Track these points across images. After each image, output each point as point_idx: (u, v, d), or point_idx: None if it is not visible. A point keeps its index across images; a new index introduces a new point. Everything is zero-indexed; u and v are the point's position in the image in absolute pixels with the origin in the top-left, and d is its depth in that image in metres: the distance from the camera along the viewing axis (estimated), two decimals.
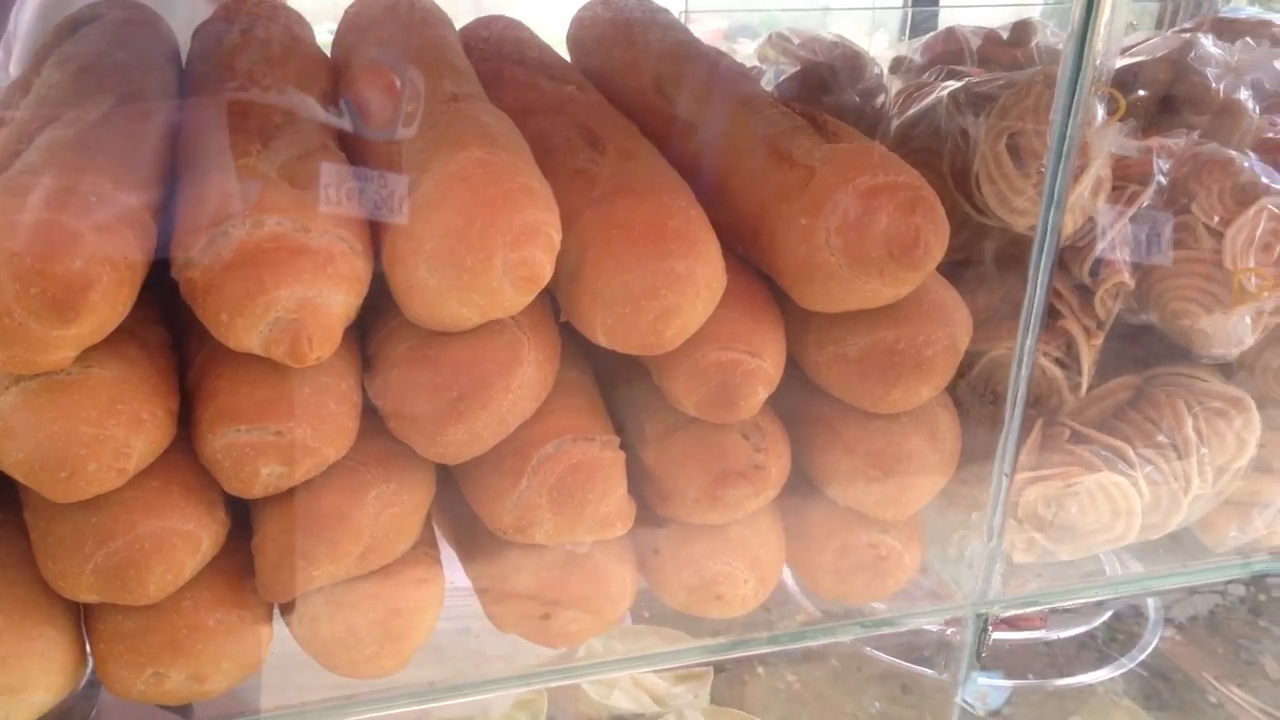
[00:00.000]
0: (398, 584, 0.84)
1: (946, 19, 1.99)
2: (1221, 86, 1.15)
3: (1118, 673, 1.77)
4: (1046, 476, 1.00)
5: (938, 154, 1.02)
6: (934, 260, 0.87)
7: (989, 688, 1.81)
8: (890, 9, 2.08)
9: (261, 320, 0.75)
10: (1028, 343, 0.91)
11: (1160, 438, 1.02)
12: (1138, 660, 1.77)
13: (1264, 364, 1.05)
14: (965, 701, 1.81)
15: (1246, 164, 1.02)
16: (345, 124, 0.91)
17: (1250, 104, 1.17)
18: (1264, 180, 1.01)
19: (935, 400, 0.95)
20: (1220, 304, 0.98)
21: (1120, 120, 0.96)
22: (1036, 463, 1.01)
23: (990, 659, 1.69)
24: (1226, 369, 1.07)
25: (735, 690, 1.59)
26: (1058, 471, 1.00)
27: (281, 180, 0.80)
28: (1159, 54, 1.19)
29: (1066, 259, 1.03)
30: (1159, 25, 1.80)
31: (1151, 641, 1.78)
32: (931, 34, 1.51)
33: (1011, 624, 1.40)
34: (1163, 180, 1.02)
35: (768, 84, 1.33)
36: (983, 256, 1.05)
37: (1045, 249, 0.88)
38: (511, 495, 0.85)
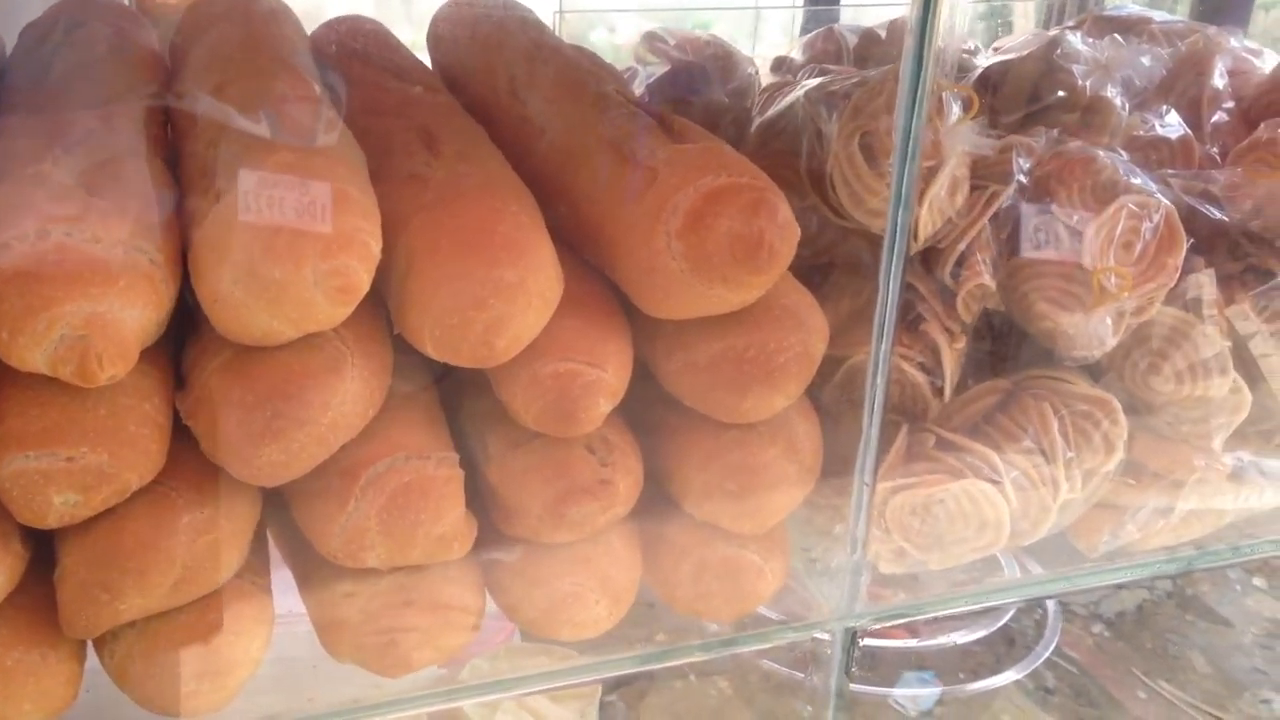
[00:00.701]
0: (217, 616, 0.79)
1: (849, 17, 1.98)
2: (1088, 84, 1.14)
3: (1023, 673, 1.77)
4: (911, 484, 0.97)
5: (796, 155, 0.99)
6: (780, 264, 0.84)
7: (920, 689, 1.80)
8: (785, 8, 2.06)
9: (45, 338, 0.69)
10: (883, 348, 0.89)
11: (1027, 443, 1.00)
12: (1041, 658, 1.76)
13: (1131, 364, 1.03)
14: (897, 703, 1.80)
15: (1109, 162, 1.00)
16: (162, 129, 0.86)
17: (1119, 101, 1.15)
18: (1125, 178, 0.99)
19: (793, 408, 0.92)
20: (1081, 305, 0.96)
21: (974, 118, 0.93)
22: (903, 470, 0.98)
23: (919, 660, 1.69)
24: (1095, 371, 1.05)
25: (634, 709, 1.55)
26: (922, 480, 0.97)
27: (78, 188, 0.75)
28: (1027, 52, 1.17)
29: (930, 261, 1.00)
30: (1045, 24, 1.79)
31: (1052, 640, 1.78)
32: (813, 33, 1.49)
33: (880, 634, 1.37)
34: (1023, 179, 1.00)
35: (640, 85, 1.30)
36: (843, 259, 1.02)
37: (895, 251, 0.86)
38: (340, 518, 0.80)
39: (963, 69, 1.22)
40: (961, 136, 0.92)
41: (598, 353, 0.83)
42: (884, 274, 0.86)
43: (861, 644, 1.01)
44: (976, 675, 1.75)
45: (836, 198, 0.95)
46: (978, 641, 1.77)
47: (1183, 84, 1.26)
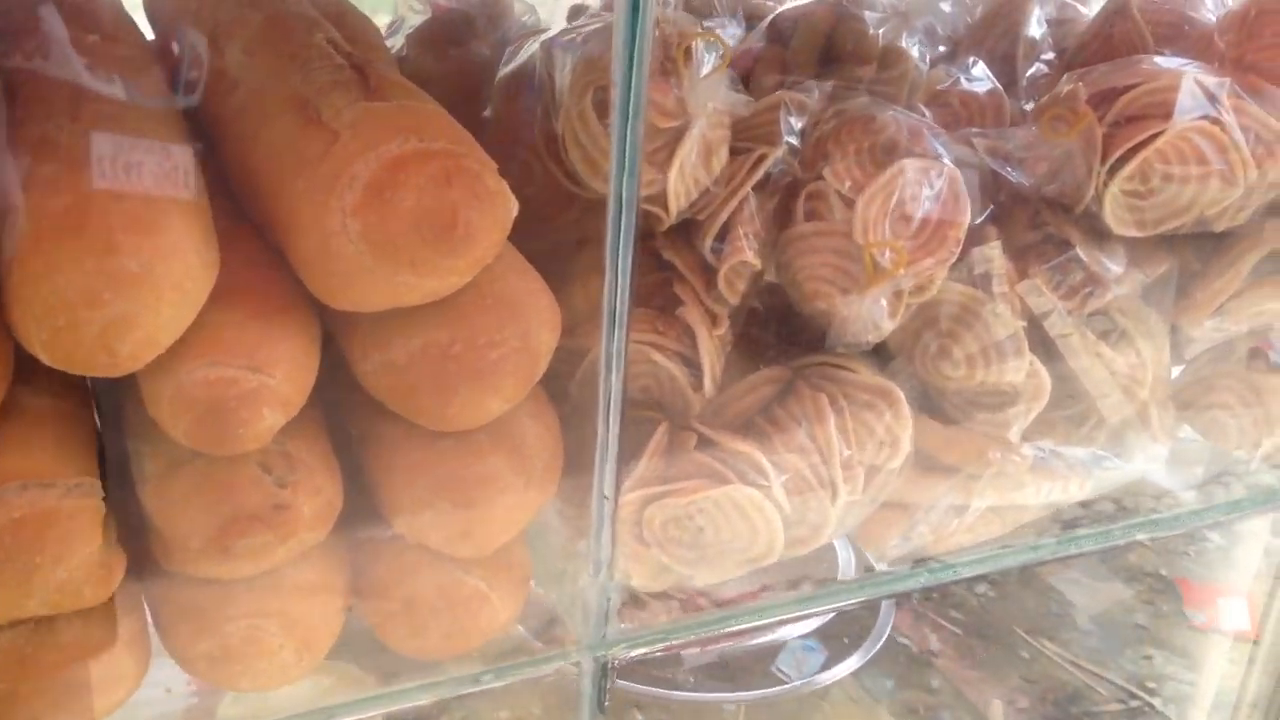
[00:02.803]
0: None
1: None
2: (881, 33, 1.02)
3: (861, 661, 1.69)
4: (668, 492, 0.85)
5: (532, 114, 0.86)
6: (481, 245, 0.71)
7: (804, 654, 1.72)
8: None
9: None
10: (616, 340, 0.76)
11: (803, 439, 0.88)
12: (874, 649, 1.68)
13: (922, 347, 0.92)
14: (780, 670, 1.70)
15: (892, 121, 0.89)
16: None
17: (917, 51, 1.04)
18: (907, 140, 0.87)
19: (522, 410, 0.79)
20: (855, 283, 0.85)
21: (725, 71, 0.81)
22: (660, 476, 0.86)
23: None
24: (885, 355, 0.94)
25: None
26: (680, 487, 0.85)
27: None
28: None
29: (692, 235, 0.88)
30: None
31: (885, 627, 1.70)
32: None
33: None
34: (793, 141, 0.88)
35: (398, 38, 1.15)
36: (597, 234, 0.89)
37: (623, 227, 0.73)
38: None
39: (754, 16, 1.09)
40: (710, 92, 0.79)
41: (262, 354, 0.69)
42: (610, 253, 0.73)
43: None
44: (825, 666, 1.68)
45: (571, 162, 0.81)
46: (815, 633, 1.70)
47: (996, 34, 1.15)
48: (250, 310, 0.71)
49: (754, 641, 1.62)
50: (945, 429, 0.95)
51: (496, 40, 1.11)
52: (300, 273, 0.72)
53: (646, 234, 0.88)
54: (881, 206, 0.84)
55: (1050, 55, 1.15)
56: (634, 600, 0.88)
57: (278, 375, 0.70)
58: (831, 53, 1.04)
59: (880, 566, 1.01)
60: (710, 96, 0.79)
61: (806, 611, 1.03)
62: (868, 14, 1.03)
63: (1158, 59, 0.92)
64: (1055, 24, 1.23)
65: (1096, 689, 1.77)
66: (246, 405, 0.68)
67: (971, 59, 1.07)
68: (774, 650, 1.71)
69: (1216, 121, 0.88)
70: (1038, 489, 0.97)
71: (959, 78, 1.05)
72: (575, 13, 1.36)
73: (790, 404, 0.90)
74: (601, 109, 0.80)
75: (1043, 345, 0.94)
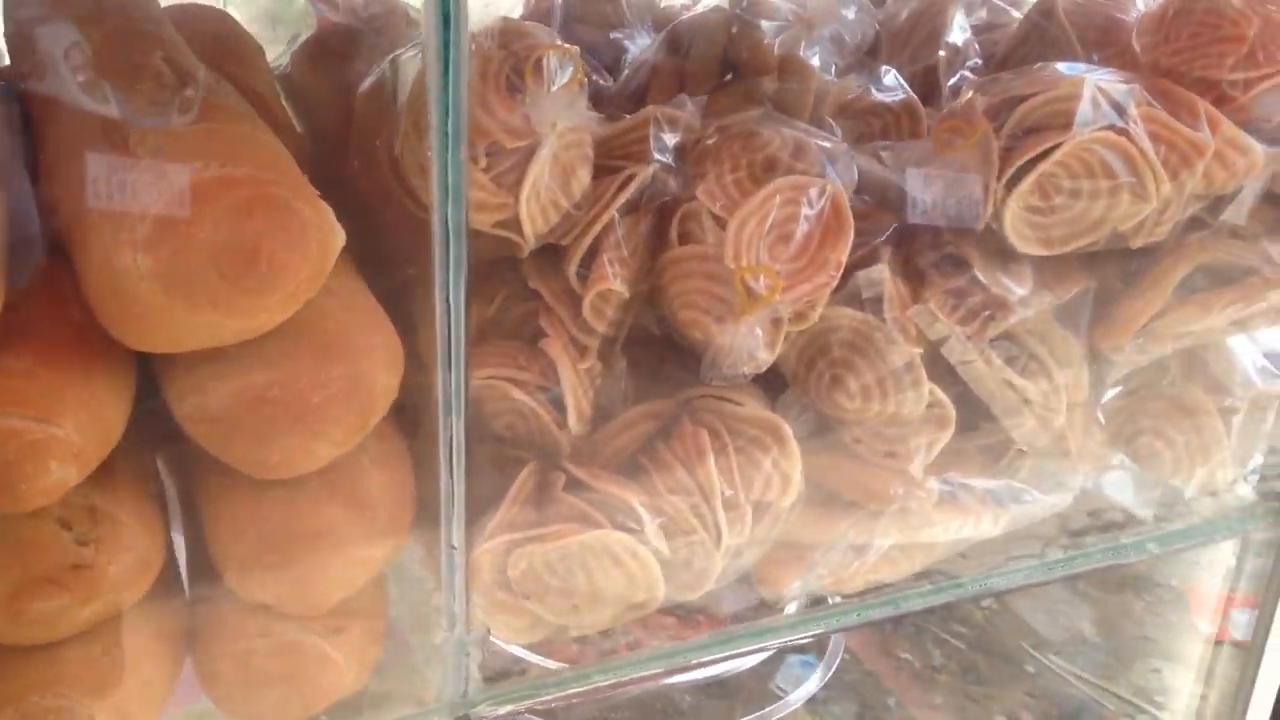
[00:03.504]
0: None
1: None
2: (779, 41, 0.96)
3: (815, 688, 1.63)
4: (533, 538, 0.79)
5: (381, 134, 0.80)
6: (294, 279, 0.65)
7: (802, 671, 1.67)
8: None
9: None
10: (453, 379, 0.70)
11: (684, 477, 0.82)
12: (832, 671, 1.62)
13: (816, 377, 0.86)
14: (778, 688, 1.64)
15: (779, 136, 0.83)
16: None
17: (818, 60, 0.98)
18: (790, 156, 0.81)
19: (365, 454, 0.74)
20: (731, 311, 0.78)
21: (578, 86, 0.75)
22: (525, 520, 0.80)
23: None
24: (779, 386, 0.88)
25: None
26: (545, 532, 0.79)
27: None
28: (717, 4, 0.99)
29: (559, 261, 0.82)
30: None
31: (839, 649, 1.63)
32: None
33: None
34: (664, 159, 0.82)
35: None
36: None
37: (452, 259, 0.67)
38: None
39: (666, 25, 1.04)
40: (560, 110, 0.74)
41: (49, 403, 0.64)
42: (439, 287, 0.68)
43: None
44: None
45: (414, 187, 0.76)
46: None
47: (916, 41, 1.09)
48: (39, 355, 0.65)
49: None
50: (845, 463, 0.89)
51: (383, 56, 1.05)
52: (96, 312, 0.66)
53: (514, 261, 0.83)
54: (756, 229, 0.78)
55: (978, 62, 1.08)
56: None
57: (67, 425, 0.64)
58: (729, 66, 0.98)
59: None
60: (560, 114, 0.73)
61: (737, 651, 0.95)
62: (766, 23, 0.97)
63: (1061, 66, 0.85)
64: (985, 29, 1.17)
65: (1103, 703, 1.70)
66: (31, 458, 0.63)
67: (884, 68, 1.01)
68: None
69: (1123, 131, 0.81)
70: (946, 525, 0.90)
71: (869, 88, 0.99)
72: None
73: (673, 441, 0.84)
74: None
75: (951, 373, 0.88)
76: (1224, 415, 0.98)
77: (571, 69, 0.75)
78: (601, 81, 1.07)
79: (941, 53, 1.06)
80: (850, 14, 0.98)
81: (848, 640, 1.68)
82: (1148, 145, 0.82)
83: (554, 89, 0.74)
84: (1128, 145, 0.81)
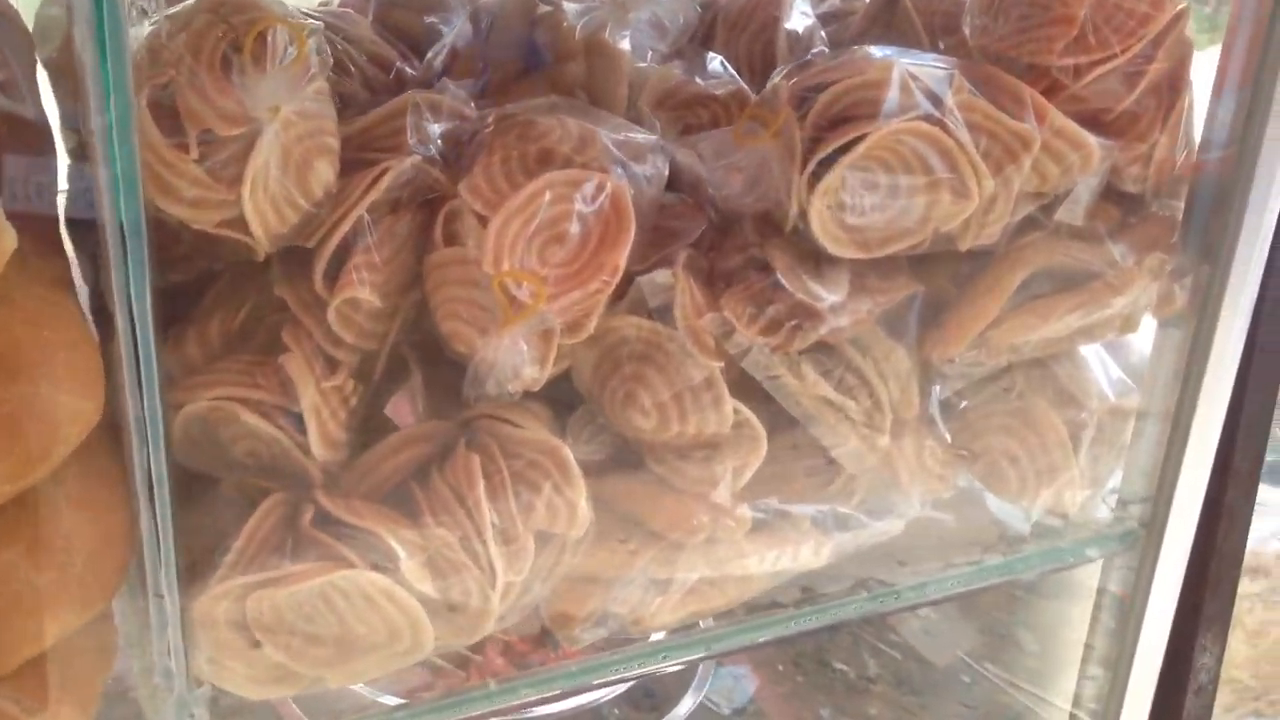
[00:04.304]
0: None
1: None
2: (582, 24, 0.87)
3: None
4: (269, 580, 0.69)
5: None
6: None
7: (734, 683, 1.60)
8: None
9: None
10: (145, 403, 0.61)
11: (455, 508, 0.73)
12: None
13: (610, 394, 0.77)
14: (710, 700, 1.55)
15: (561, 126, 0.74)
16: None
17: (628, 44, 0.89)
18: (572, 149, 0.73)
19: (57, 491, 0.64)
20: (495, 322, 0.69)
21: (302, 66, 0.65)
22: (271, 559, 0.71)
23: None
24: (571, 404, 0.79)
25: None
26: (283, 572, 0.69)
27: None
28: None
29: (308, 264, 0.73)
30: None
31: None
32: None
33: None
34: (429, 151, 0.73)
35: None
36: (234, 262, 0.74)
37: (130, 264, 0.57)
38: None
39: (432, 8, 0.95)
40: (282, 92, 0.64)
41: None
42: (120, 297, 0.58)
43: None
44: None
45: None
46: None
47: (754, 27, 1.00)
48: None
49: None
50: (646, 488, 0.80)
51: None
52: None
53: (266, 264, 0.73)
54: (521, 229, 0.69)
55: (824, 50, 1.00)
56: None
57: None
58: (532, 51, 0.90)
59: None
60: (282, 97, 0.64)
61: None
62: (571, 4, 0.88)
63: (875, 50, 0.77)
64: (837, 15, 1.09)
65: (1037, 711, 1.64)
66: None
67: (710, 55, 0.93)
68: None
69: (938, 122, 0.73)
70: (760, 556, 0.82)
71: (692, 77, 0.90)
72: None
73: (447, 467, 0.75)
74: (161, 114, 0.65)
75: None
76: (1073, 431, 0.90)
77: (296, 48, 0.65)
78: (410, 70, 0.98)
79: (778, 40, 0.98)
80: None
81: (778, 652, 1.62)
82: (966, 137, 0.74)
83: (277, 68, 0.64)
84: (942, 137, 0.73)
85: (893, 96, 0.73)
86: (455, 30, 0.94)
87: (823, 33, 1.02)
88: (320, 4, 1.22)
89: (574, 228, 0.70)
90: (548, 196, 0.69)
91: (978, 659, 1.73)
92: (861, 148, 0.72)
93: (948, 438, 0.91)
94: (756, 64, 0.99)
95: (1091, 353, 0.92)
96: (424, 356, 0.77)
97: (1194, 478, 0.94)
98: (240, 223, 0.67)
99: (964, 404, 0.91)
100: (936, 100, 0.74)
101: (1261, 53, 0.82)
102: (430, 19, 1.03)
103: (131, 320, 0.59)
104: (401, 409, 0.80)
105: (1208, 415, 0.90)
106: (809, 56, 0.93)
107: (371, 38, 1.00)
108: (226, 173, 0.65)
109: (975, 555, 0.96)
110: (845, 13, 1.10)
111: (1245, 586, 1.36)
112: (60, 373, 0.61)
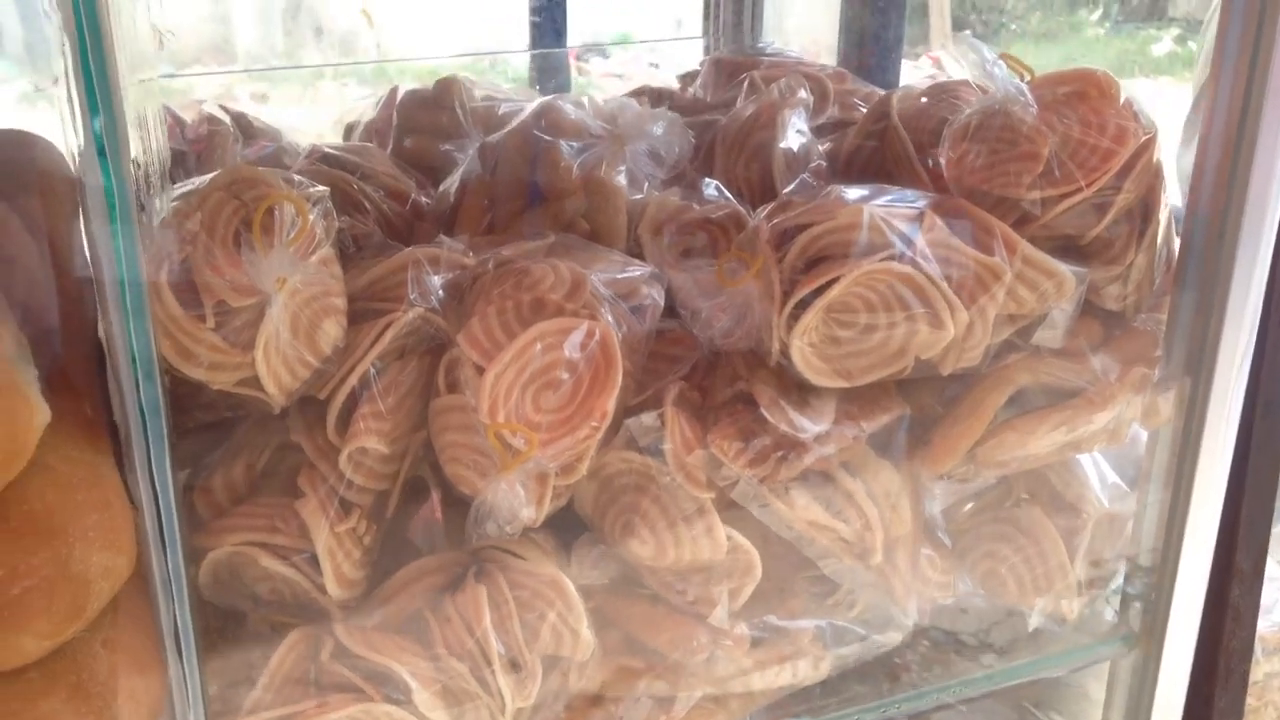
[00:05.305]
0: None
1: None
2: (581, 161, 0.92)
3: None
4: (291, 715, 0.74)
5: None
6: None
7: None
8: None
9: None
10: (169, 562, 0.66)
11: (465, 637, 0.77)
12: None
13: (609, 524, 0.82)
14: None
15: (553, 272, 0.79)
16: None
17: (624, 178, 0.94)
18: (563, 295, 0.77)
19: (94, 638, 0.69)
20: (494, 466, 0.74)
21: (304, 238, 0.71)
22: (288, 694, 0.75)
23: None
24: (576, 533, 0.84)
25: None
26: (302, 707, 0.74)
27: None
28: (515, 123, 0.96)
29: (322, 412, 0.78)
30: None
31: None
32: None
33: None
34: (430, 303, 0.78)
35: None
36: (252, 408, 0.80)
37: (151, 438, 0.63)
38: None
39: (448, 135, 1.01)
40: (285, 266, 0.70)
41: None
42: (141, 465, 0.63)
43: None
44: None
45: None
46: None
47: (751, 148, 1.05)
48: None
49: None
50: (648, 611, 0.84)
51: None
52: None
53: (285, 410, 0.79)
54: (514, 379, 0.74)
55: (821, 163, 1.04)
56: None
57: None
58: (535, 190, 0.95)
59: None
60: (289, 269, 0.69)
61: None
62: (569, 144, 0.93)
63: (849, 191, 0.81)
64: (834, 126, 1.14)
65: None
66: None
67: (706, 180, 0.98)
68: None
69: (909, 261, 0.77)
70: (762, 673, 0.85)
71: (691, 202, 0.95)
72: (348, 131, 1.29)
73: (458, 597, 0.79)
74: (180, 289, 0.71)
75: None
76: (1068, 537, 0.92)
77: (301, 222, 0.71)
78: (425, 199, 1.04)
79: (774, 159, 1.02)
80: (659, 129, 0.94)
81: None
82: (936, 272, 0.77)
83: (283, 242, 0.70)
84: (913, 275, 0.77)
85: (864, 238, 0.76)
86: (465, 165, 1.00)
87: (820, 146, 1.06)
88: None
89: (564, 375, 0.74)
90: (539, 347, 0.74)
91: None
92: (836, 289, 0.76)
93: (947, 543, 0.94)
94: (755, 182, 1.03)
95: (1086, 457, 0.95)
96: (441, 477, 0.82)
97: (1193, 577, 0.95)
98: (255, 382, 0.73)
99: (965, 507, 0.94)
100: (907, 239, 0.77)
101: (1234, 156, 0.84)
102: (446, 146, 1.09)
103: (154, 492, 0.64)
104: None
105: (1201, 517, 0.91)
106: (791, 188, 0.98)
107: (389, 171, 1.06)
108: (240, 339, 0.71)
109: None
110: (844, 122, 1.15)
111: (1274, 665, 1.36)
112: (93, 534, 0.67)
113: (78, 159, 0.80)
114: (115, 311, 0.60)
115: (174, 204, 0.73)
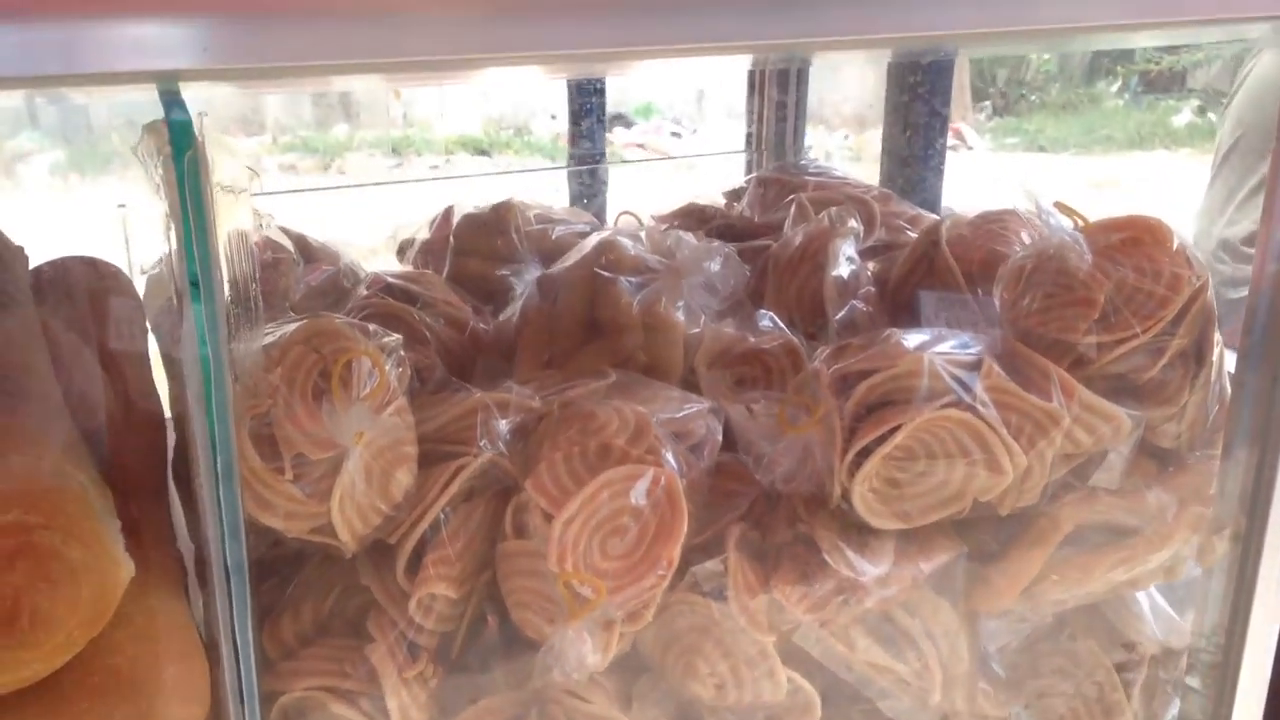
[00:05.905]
0: None
1: None
2: (640, 298, 0.94)
3: None
4: None
5: None
6: (65, 629, 0.63)
7: None
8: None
9: None
10: (246, 714, 0.67)
11: None
12: None
13: (671, 662, 0.82)
14: None
15: (618, 416, 0.80)
16: None
17: (683, 314, 0.96)
18: (628, 440, 0.79)
19: None
20: (562, 613, 0.75)
21: (382, 394, 0.73)
22: None
23: None
24: (635, 670, 0.84)
25: None
26: None
27: None
28: (574, 260, 0.98)
29: (392, 556, 0.79)
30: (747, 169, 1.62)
31: None
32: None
33: None
34: (498, 448, 0.79)
35: None
36: (318, 547, 0.81)
37: (234, 599, 0.64)
38: None
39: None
40: (362, 421, 0.72)
41: None
42: (224, 625, 0.65)
43: None
44: None
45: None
46: None
47: (802, 277, 1.07)
48: None
49: None
50: None
51: None
52: None
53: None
54: (581, 527, 0.75)
55: (870, 289, 1.06)
56: None
57: None
58: (595, 327, 0.97)
59: None
60: (367, 424, 0.71)
61: None
62: (628, 279, 0.95)
63: (908, 338, 0.83)
64: (882, 249, 1.16)
65: None
66: None
67: (760, 311, 1.00)
68: None
69: (968, 408, 0.78)
70: None
71: (745, 334, 0.97)
72: (402, 250, 1.32)
73: None
74: (260, 441, 0.73)
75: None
76: (1123, 672, 0.92)
77: (378, 375, 0.73)
78: (482, 325, 1.06)
79: (829, 288, 1.04)
80: (715, 265, 0.96)
81: None
82: (995, 418, 0.79)
83: (359, 397, 0.72)
84: (974, 422, 0.78)
85: (924, 385, 0.78)
86: (525, 292, 1.02)
87: (869, 271, 1.08)
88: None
89: (630, 522, 0.76)
90: (605, 494, 0.76)
91: None
92: (898, 437, 0.77)
93: (1001, 674, 0.94)
94: (806, 310, 1.05)
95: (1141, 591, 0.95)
96: (501, 608, 0.83)
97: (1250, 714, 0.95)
98: (329, 529, 0.74)
99: (1027, 638, 0.94)
100: (965, 386, 0.79)
101: None
102: (502, 271, 1.12)
103: (235, 647, 0.65)
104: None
105: (1255, 665, 0.91)
106: (842, 314, 0.99)
107: (447, 299, 1.08)
108: (317, 489, 0.73)
109: None
110: (890, 245, 1.17)
111: None
112: (170, 686, 0.68)
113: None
114: (206, 475, 0.62)
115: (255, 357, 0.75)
